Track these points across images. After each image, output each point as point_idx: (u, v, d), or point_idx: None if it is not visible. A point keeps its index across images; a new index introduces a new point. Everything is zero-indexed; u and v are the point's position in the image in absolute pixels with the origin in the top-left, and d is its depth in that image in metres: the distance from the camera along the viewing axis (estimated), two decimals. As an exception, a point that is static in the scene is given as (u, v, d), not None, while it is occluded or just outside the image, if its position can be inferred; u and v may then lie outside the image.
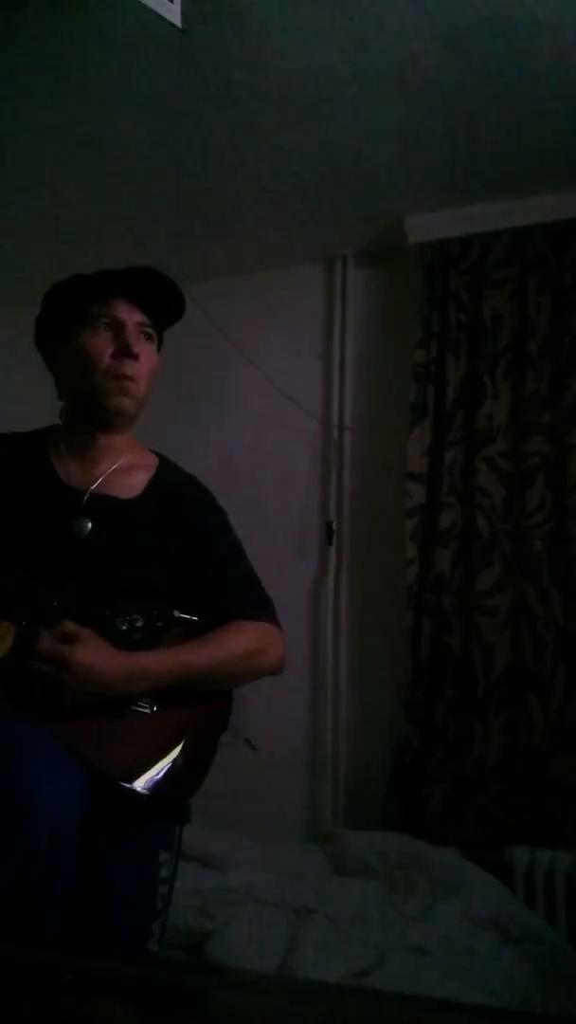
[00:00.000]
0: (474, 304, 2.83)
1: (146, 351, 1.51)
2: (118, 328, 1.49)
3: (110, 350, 1.48)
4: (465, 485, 2.74)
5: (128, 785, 1.32)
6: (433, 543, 2.75)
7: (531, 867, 2.40)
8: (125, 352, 1.47)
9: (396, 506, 2.83)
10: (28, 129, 2.54)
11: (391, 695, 2.78)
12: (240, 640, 1.46)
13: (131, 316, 1.50)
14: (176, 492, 1.56)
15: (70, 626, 1.33)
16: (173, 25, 1.85)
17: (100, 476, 1.51)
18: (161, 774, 1.35)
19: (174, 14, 1.83)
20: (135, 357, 1.48)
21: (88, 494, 1.48)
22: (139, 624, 1.40)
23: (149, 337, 1.53)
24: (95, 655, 1.32)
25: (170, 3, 1.83)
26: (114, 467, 1.52)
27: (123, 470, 1.53)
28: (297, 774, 2.94)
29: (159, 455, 1.61)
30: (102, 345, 1.48)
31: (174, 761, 1.38)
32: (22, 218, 3.01)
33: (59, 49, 2.21)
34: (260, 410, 3.19)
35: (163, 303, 1.53)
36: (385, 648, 2.87)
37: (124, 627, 1.39)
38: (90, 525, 1.44)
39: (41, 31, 2.15)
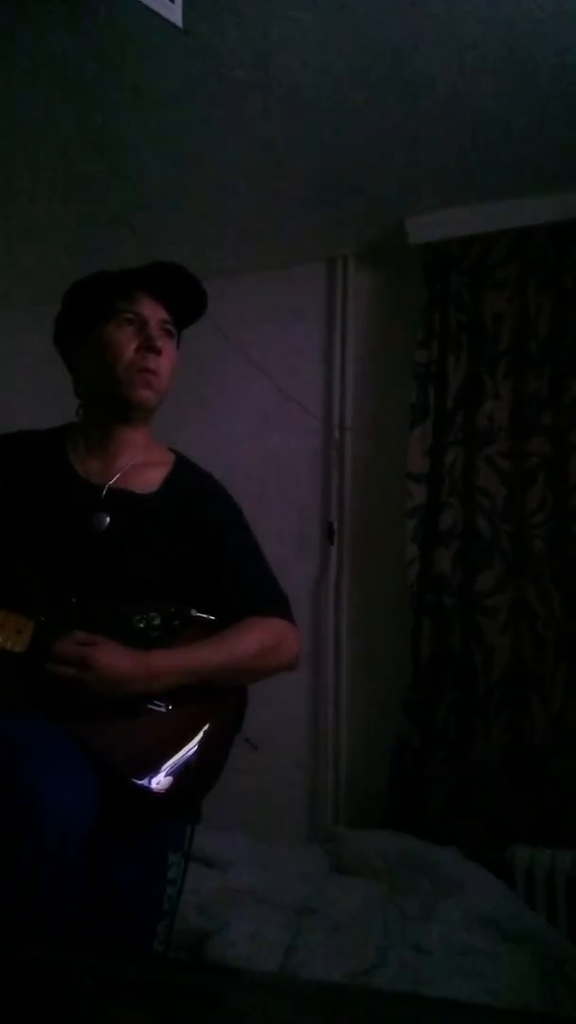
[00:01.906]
0: (475, 304, 2.83)
1: (168, 347, 1.53)
2: (141, 323, 1.50)
3: (134, 344, 1.49)
4: (466, 485, 2.74)
5: (141, 782, 1.32)
6: (434, 543, 2.75)
7: (532, 866, 2.40)
8: (149, 347, 1.49)
9: (397, 506, 2.83)
10: (28, 129, 2.54)
11: (391, 695, 2.78)
12: (256, 637, 1.47)
13: (154, 312, 1.51)
14: (192, 489, 1.57)
15: (82, 636, 1.34)
16: (174, 25, 1.85)
17: (118, 472, 1.52)
18: (174, 772, 1.36)
19: (175, 14, 1.83)
20: (158, 352, 1.50)
21: (106, 489, 1.49)
22: (156, 622, 1.41)
23: (170, 334, 1.55)
24: (115, 656, 1.33)
25: (171, 3, 1.83)
26: (132, 463, 1.53)
27: (141, 466, 1.54)
28: (297, 774, 2.94)
29: (176, 452, 1.62)
30: (126, 339, 1.49)
31: (187, 760, 1.38)
32: (23, 219, 3.01)
33: (60, 49, 2.22)
34: (261, 410, 3.19)
35: (186, 300, 1.55)
36: (385, 648, 2.87)
37: (141, 625, 1.40)
38: (108, 520, 1.45)
39: (42, 32, 2.15)
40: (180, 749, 1.38)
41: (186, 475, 1.58)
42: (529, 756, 2.52)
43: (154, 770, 1.34)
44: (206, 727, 1.42)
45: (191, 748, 1.39)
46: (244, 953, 1.96)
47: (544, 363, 2.71)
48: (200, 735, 1.41)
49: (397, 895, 2.22)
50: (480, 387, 2.77)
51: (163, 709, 1.39)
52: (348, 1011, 0.81)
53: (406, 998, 1.29)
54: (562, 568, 2.59)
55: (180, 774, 1.36)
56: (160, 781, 1.34)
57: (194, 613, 1.44)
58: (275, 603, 1.54)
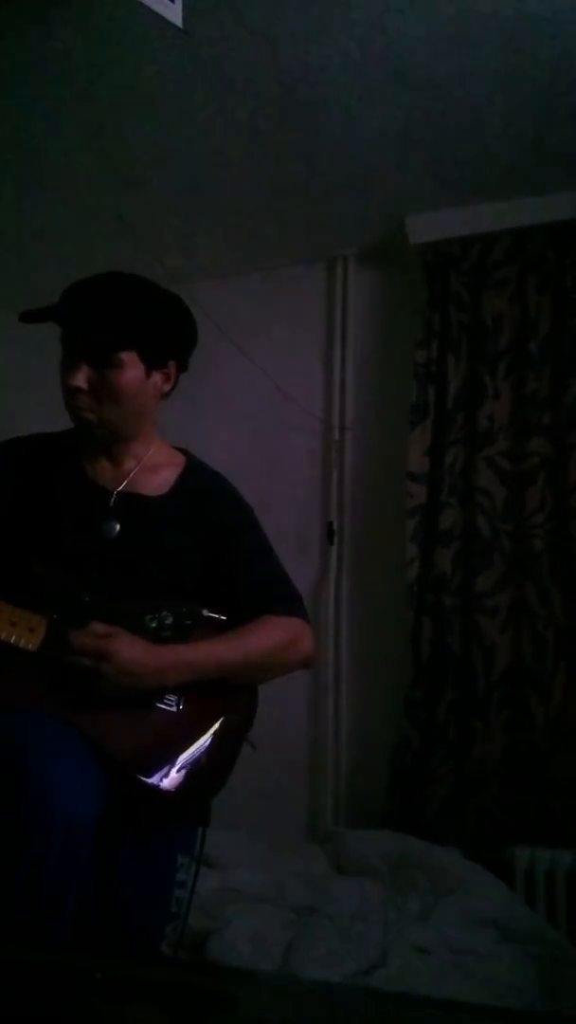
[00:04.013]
0: (475, 304, 2.83)
1: (104, 377, 1.43)
2: (65, 359, 1.45)
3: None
4: (466, 485, 2.74)
5: (150, 781, 1.32)
6: (434, 543, 2.75)
7: (532, 866, 2.41)
8: (67, 388, 1.44)
9: (397, 506, 2.83)
10: (30, 130, 2.54)
11: (391, 695, 2.79)
12: (270, 635, 1.48)
13: (76, 346, 1.43)
14: (203, 489, 1.56)
15: (100, 627, 1.35)
16: (174, 25, 1.85)
17: (127, 475, 1.52)
18: (183, 772, 1.36)
19: (175, 14, 1.83)
20: (73, 391, 1.42)
21: (116, 494, 1.49)
22: (168, 622, 1.41)
23: (101, 363, 1.42)
24: (132, 647, 1.34)
25: (171, 3, 1.83)
26: (140, 465, 1.53)
27: (150, 468, 1.54)
28: (297, 774, 2.94)
29: (186, 453, 1.62)
30: (62, 373, 1.45)
31: (197, 760, 1.38)
32: (24, 219, 3.01)
33: (60, 49, 2.21)
34: (261, 410, 3.19)
35: (95, 328, 1.43)
36: (385, 648, 2.87)
37: (153, 625, 1.40)
38: (118, 525, 1.46)
39: (42, 32, 2.15)
40: (189, 748, 1.39)
41: (197, 476, 1.58)
42: (529, 756, 2.52)
43: (163, 769, 1.35)
44: (215, 727, 1.42)
45: (200, 748, 1.39)
46: (244, 953, 1.96)
47: (544, 363, 2.71)
48: (209, 734, 1.41)
49: (397, 895, 2.22)
50: (480, 387, 2.77)
51: (174, 709, 1.39)
52: (348, 1011, 0.81)
53: (406, 998, 1.29)
54: (562, 568, 2.59)
55: (189, 774, 1.36)
56: (169, 780, 1.34)
57: (206, 613, 1.45)
58: (290, 601, 1.55)
